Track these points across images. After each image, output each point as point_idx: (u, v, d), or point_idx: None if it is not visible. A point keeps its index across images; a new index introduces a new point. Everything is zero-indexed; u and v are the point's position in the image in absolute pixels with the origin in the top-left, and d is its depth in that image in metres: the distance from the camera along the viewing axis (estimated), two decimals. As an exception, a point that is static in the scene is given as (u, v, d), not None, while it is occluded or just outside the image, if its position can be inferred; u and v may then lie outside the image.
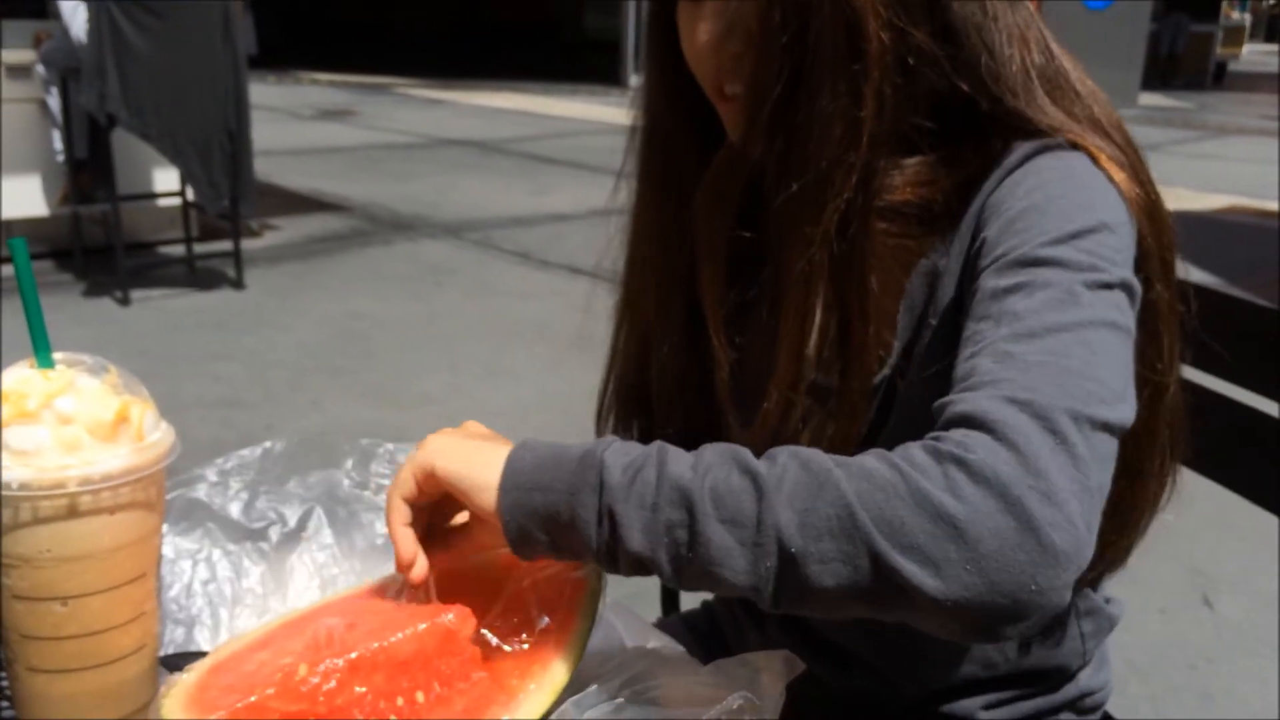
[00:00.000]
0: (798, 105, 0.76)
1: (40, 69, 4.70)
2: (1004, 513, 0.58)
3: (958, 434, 0.62)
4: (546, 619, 0.70)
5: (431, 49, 17.40)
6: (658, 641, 0.78)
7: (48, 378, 0.68)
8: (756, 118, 0.78)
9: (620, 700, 0.65)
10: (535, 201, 6.95)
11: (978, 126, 0.81)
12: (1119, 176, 0.79)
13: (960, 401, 0.65)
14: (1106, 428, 0.63)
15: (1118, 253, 0.73)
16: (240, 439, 3.43)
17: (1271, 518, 1.04)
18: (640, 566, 0.64)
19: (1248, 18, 25.78)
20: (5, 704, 0.72)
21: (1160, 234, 0.81)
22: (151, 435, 0.69)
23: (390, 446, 0.95)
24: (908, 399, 0.84)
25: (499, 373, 3.99)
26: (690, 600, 1.27)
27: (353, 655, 0.66)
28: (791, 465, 0.62)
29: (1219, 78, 18.24)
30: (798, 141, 0.77)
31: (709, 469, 0.63)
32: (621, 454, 0.65)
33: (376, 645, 0.67)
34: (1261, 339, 1.03)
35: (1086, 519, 0.60)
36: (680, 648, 0.77)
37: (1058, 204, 0.75)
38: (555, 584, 0.72)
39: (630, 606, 0.85)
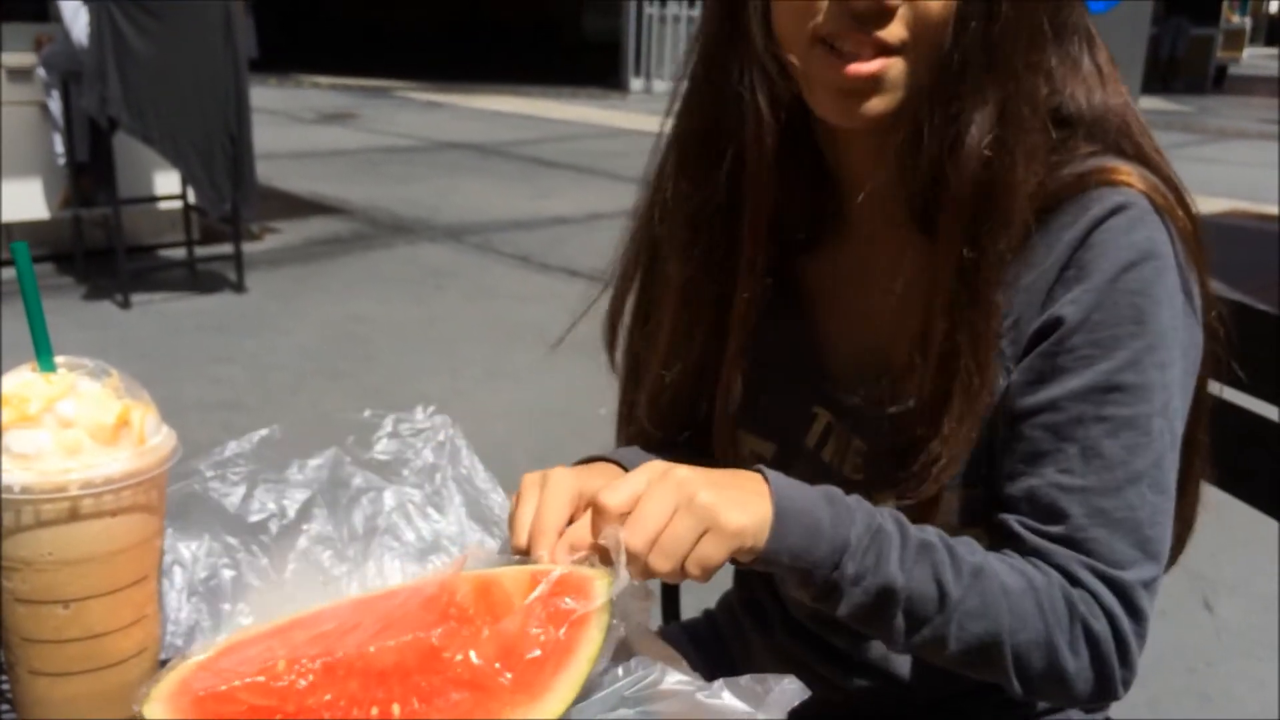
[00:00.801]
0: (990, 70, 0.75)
1: (41, 72, 4.71)
2: (1095, 682, 0.79)
3: (1085, 597, 0.78)
4: (539, 651, 0.67)
5: (431, 51, 17.42)
6: (661, 651, 0.77)
7: (50, 381, 0.68)
8: (936, 101, 0.77)
9: (622, 712, 0.65)
10: (535, 205, 6.95)
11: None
12: (1186, 234, 0.81)
13: (1054, 552, 0.78)
14: (1161, 575, 0.80)
15: (1181, 347, 0.80)
16: (241, 442, 3.42)
17: (1271, 521, 1.04)
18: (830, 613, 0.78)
19: (1248, 21, 25.79)
20: (6, 707, 0.73)
21: (1205, 280, 0.84)
22: (153, 439, 0.69)
23: (393, 418, 0.94)
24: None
25: (499, 375, 3.99)
26: (691, 609, 1.27)
27: (330, 658, 0.66)
28: (973, 590, 0.76)
29: (1219, 81, 18.25)
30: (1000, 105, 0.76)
31: (914, 565, 0.76)
32: (856, 534, 0.76)
33: (356, 651, 0.67)
34: (1262, 343, 1.03)
35: (1139, 658, 0.79)
36: (683, 661, 0.77)
37: (1135, 303, 0.78)
38: (560, 617, 0.69)
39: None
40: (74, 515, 0.65)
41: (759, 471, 0.77)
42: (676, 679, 0.66)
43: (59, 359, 0.70)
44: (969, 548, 0.79)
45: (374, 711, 0.65)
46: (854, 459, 0.91)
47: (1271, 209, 7.32)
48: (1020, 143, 0.76)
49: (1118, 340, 0.78)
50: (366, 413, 0.94)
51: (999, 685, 0.96)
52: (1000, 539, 0.81)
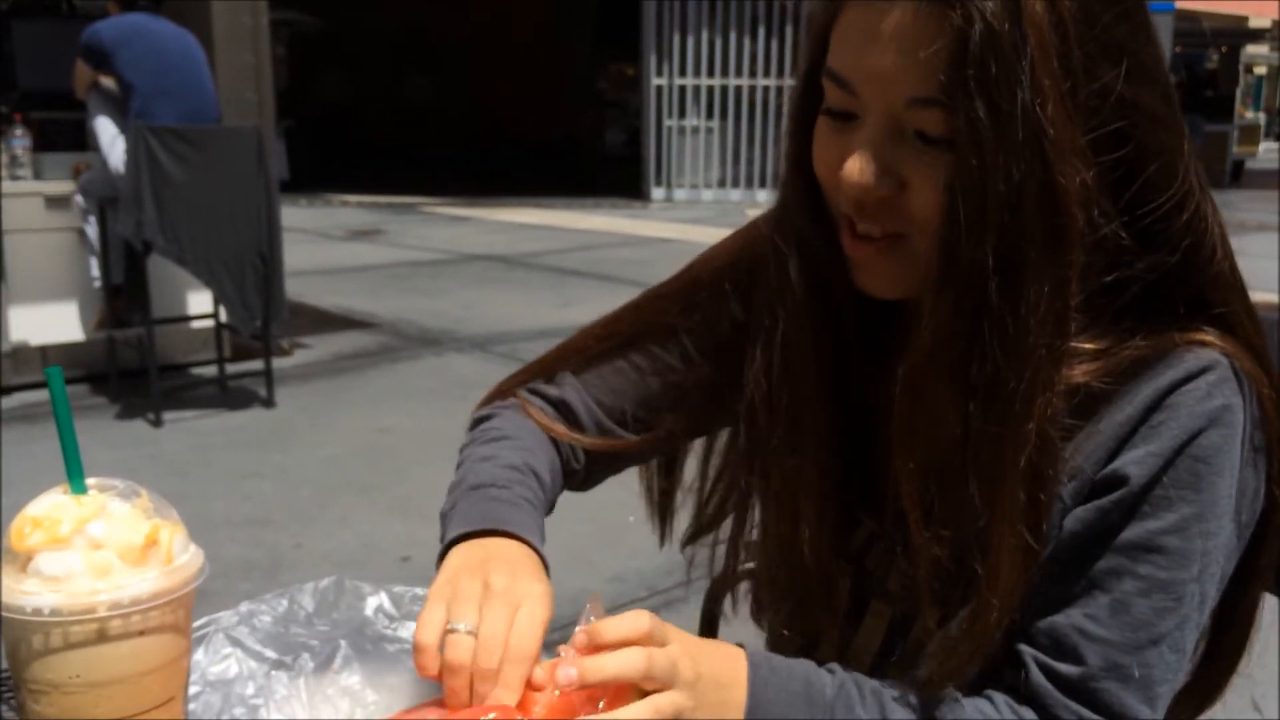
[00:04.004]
0: (1005, 292, 0.72)
1: (79, 199, 4.85)
2: None
3: None
4: None
5: (456, 168, 17.82)
6: None
7: (80, 503, 0.69)
8: (962, 303, 0.74)
9: None
10: (560, 314, 7.02)
11: (1155, 293, 0.79)
12: (1266, 399, 0.80)
13: (1053, 701, 0.77)
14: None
15: (1228, 515, 0.79)
16: (269, 558, 3.44)
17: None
18: None
19: (1261, 116, 26.07)
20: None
21: None
22: (180, 558, 0.70)
23: (420, 591, 0.94)
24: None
25: (527, 485, 3.98)
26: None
27: None
28: None
29: (1236, 175, 18.36)
30: (1009, 332, 0.73)
31: None
32: None
33: None
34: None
35: None
36: None
37: (1196, 469, 0.77)
38: None
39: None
40: (102, 637, 0.65)
41: (746, 657, 0.76)
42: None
43: (90, 480, 0.71)
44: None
45: None
46: (898, 576, 0.89)
47: (1298, 300, 7.28)
48: (1024, 334, 0.73)
49: (1169, 503, 0.77)
50: (397, 588, 0.94)
51: None
52: (1005, 664, 0.80)
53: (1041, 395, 0.74)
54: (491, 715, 0.69)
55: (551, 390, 1.04)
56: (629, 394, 1.02)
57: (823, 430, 0.89)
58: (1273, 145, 27.80)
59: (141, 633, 0.67)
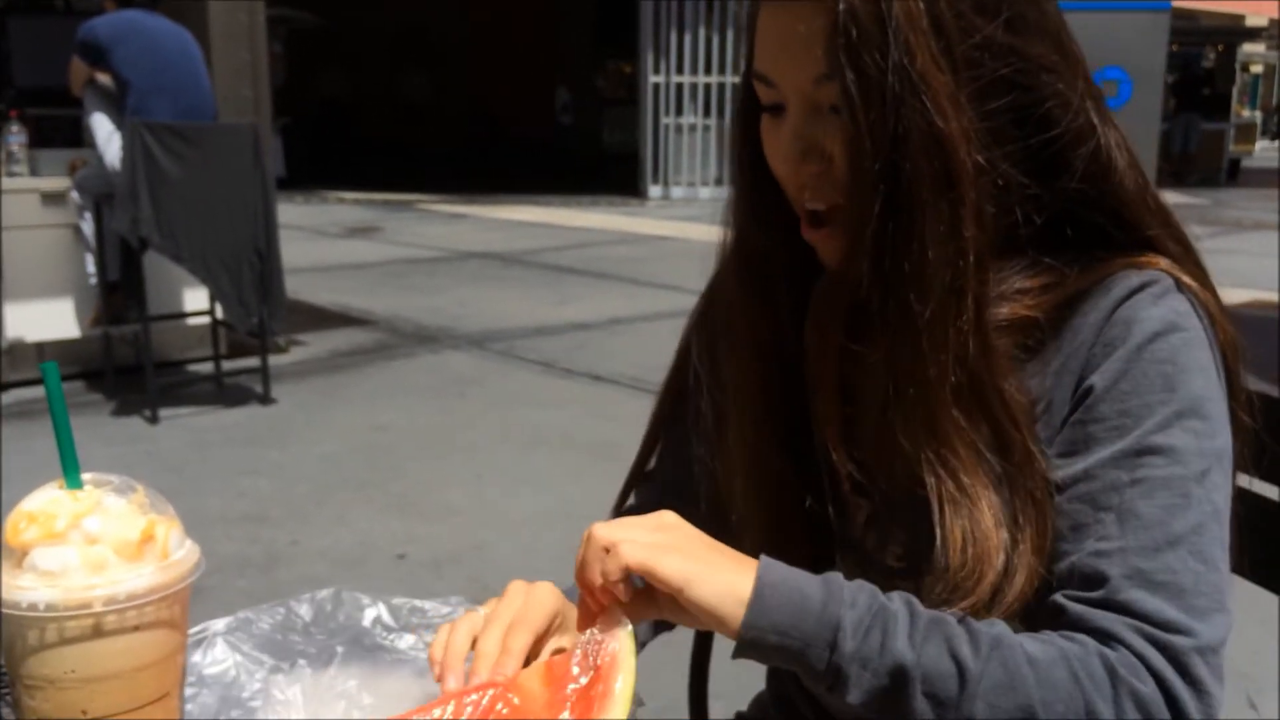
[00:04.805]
0: (901, 232, 0.77)
1: (75, 195, 4.85)
2: None
3: (1128, 658, 0.73)
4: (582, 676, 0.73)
5: (453, 165, 17.80)
6: None
7: (76, 498, 0.69)
8: (859, 245, 0.79)
9: None
10: (557, 311, 7.02)
11: (1075, 224, 0.83)
12: (1215, 312, 0.83)
13: (1095, 616, 0.75)
14: (1220, 650, 0.76)
15: (1218, 420, 0.80)
16: (265, 555, 3.44)
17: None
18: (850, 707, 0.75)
19: (1258, 115, 26.12)
20: (26, 831, 0.72)
21: (1236, 360, 0.85)
22: (176, 553, 0.70)
23: (418, 603, 0.94)
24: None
25: (523, 482, 3.98)
26: (724, 710, 1.25)
27: None
28: (993, 661, 0.73)
29: (1233, 174, 18.37)
30: (909, 268, 0.78)
31: (925, 641, 0.73)
32: (855, 614, 0.74)
33: None
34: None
35: None
36: None
37: (1164, 371, 0.79)
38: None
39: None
40: (98, 632, 0.65)
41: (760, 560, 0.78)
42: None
43: (86, 476, 0.71)
44: (987, 621, 0.77)
45: None
46: (894, 548, 0.89)
47: (1294, 298, 7.31)
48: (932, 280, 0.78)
49: (1148, 407, 0.78)
50: (395, 600, 0.94)
51: None
52: (1048, 618, 0.79)
53: (954, 325, 0.79)
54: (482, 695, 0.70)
55: (631, 502, 1.11)
56: (668, 475, 1.08)
57: (761, 416, 0.94)
58: (1269, 144, 27.83)
59: (137, 628, 0.67)
